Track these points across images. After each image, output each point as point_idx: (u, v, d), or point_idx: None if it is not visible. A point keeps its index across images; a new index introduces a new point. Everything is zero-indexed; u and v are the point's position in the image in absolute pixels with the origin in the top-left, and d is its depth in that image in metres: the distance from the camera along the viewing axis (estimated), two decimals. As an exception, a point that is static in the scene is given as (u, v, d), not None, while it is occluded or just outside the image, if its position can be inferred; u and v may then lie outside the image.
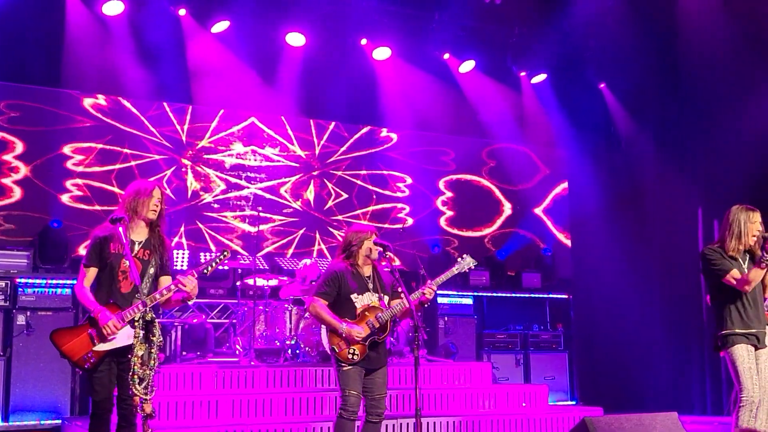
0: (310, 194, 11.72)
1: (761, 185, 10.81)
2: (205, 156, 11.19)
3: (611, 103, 12.60)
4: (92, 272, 5.09)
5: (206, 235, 10.99)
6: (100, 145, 10.48)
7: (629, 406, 9.21)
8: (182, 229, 10.83)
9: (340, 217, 11.80)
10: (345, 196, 11.97)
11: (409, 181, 12.40)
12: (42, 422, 8.23)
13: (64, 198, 10.17)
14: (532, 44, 11.69)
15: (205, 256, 10.41)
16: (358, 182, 12.11)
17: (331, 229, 11.65)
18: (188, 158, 11.06)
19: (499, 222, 12.96)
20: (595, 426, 5.72)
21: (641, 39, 10.63)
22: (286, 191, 11.58)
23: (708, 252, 5.94)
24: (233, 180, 11.29)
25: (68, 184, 10.23)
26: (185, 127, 11.09)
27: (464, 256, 6.03)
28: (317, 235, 11.67)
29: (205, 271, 5.04)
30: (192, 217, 10.98)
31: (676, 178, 11.87)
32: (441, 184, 12.60)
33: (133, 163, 10.64)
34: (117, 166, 10.54)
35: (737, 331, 5.71)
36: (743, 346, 5.64)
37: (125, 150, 10.61)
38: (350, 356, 5.63)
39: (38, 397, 8.23)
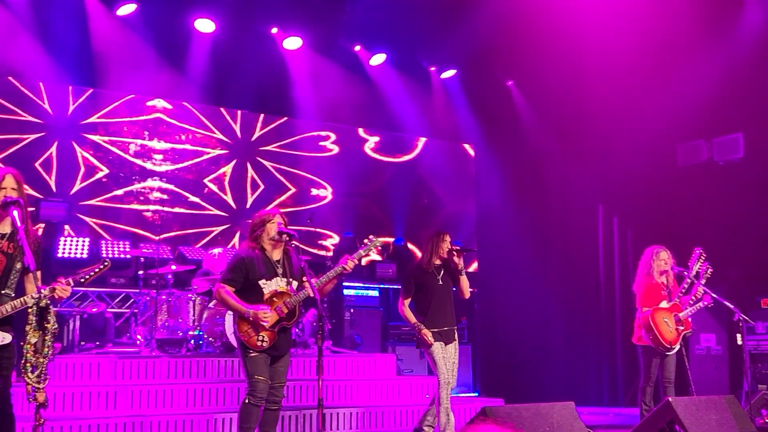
0: (217, 183, 11.58)
1: (657, 184, 11.19)
2: (109, 139, 10.90)
3: (518, 99, 12.83)
4: None
5: (96, 223, 10.73)
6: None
7: (530, 398, 9.37)
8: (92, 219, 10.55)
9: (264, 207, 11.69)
10: (262, 186, 11.90)
11: (332, 144, 12.39)
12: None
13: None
14: (443, 40, 11.77)
15: (106, 244, 10.15)
16: (274, 169, 12.08)
17: (248, 221, 11.51)
18: (88, 144, 10.77)
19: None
20: (495, 415, 5.80)
21: (548, 38, 10.83)
22: (194, 178, 11.42)
23: (407, 272, 7.13)
24: (126, 167, 11.07)
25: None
26: (72, 106, 10.71)
27: (371, 237, 6.15)
28: (235, 228, 11.58)
29: (82, 280, 4.82)
30: (91, 204, 10.71)
31: (577, 175, 12.17)
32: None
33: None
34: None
35: (433, 330, 6.77)
36: (437, 343, 6.77)
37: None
38: (259, 343, 5.58)
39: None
